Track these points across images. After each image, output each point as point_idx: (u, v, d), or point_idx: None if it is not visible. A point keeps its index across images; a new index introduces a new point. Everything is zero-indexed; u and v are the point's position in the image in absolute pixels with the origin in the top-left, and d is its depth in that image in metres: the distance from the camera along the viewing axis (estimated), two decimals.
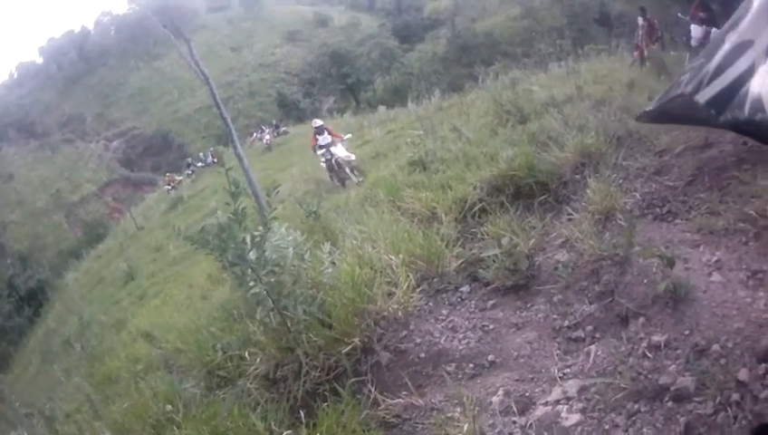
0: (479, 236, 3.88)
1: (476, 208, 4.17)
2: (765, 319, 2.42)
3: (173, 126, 56.02)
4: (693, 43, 10.49)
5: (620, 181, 3.88)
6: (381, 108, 22.70)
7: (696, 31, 10.49)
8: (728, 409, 2.13)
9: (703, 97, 1.66)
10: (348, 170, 11.07)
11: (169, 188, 28.08)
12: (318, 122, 12.35)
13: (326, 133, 11.85)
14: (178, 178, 30.18)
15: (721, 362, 2.31)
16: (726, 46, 1.63)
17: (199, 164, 32.56)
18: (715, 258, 2.93)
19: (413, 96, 19.26)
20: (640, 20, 12.41)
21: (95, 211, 46.73)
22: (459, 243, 3.86)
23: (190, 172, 31.43)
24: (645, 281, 2.85)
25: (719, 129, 1.75)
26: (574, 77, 7.13)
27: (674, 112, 1.89)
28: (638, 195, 3.71)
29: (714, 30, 9.95)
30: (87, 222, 40.32)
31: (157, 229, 21.72)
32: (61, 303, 21.12)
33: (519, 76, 9.28)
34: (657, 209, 3.58)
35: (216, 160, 28.57)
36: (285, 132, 29.71)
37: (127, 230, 26.17)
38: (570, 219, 3.64)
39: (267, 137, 27.88)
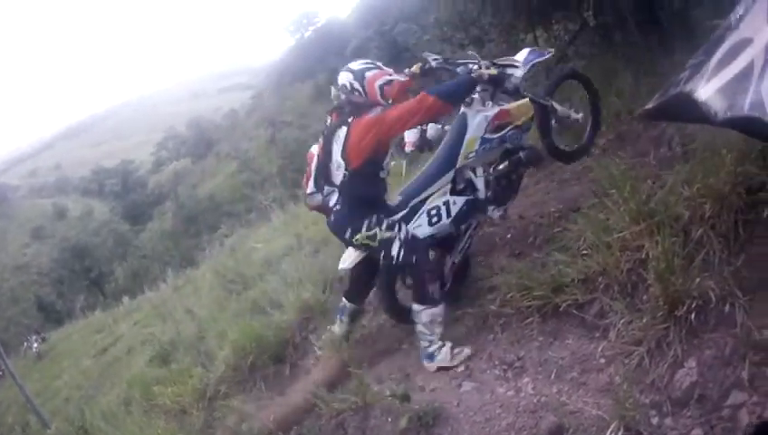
0: (226, 421, 3.62)
1: (221, 392, 3.97)
2: (538, 402, 2.43)
3: None
4: (407, 148, 10.05)
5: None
6: (125, 299, 21.02)
7: (409, 135, 9.97)
8: None
9: (702, 95, 1.67)
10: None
11: None
12: None
13: None
14: None
15: None
16: (726, 44, 1.65)
17: None
18: (462, 368, 2.97)
19: (149, 282, 18.47)
20: None
21: None
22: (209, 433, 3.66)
23: None
24: (389, 419, 2.83)
25: (719, 127, 1.81)
26: (294, 224, 7.29)
27: (673, 110, 1.91)
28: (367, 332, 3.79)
29: (431, 125, 10.18)
30: None
31: None
32: None
33: (241, 237, 9.36)
34: (392, 340, 3.61)
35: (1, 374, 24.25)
36: (45, 339, 27.52)
37: None
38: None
39: (35, 345, 26.39)
